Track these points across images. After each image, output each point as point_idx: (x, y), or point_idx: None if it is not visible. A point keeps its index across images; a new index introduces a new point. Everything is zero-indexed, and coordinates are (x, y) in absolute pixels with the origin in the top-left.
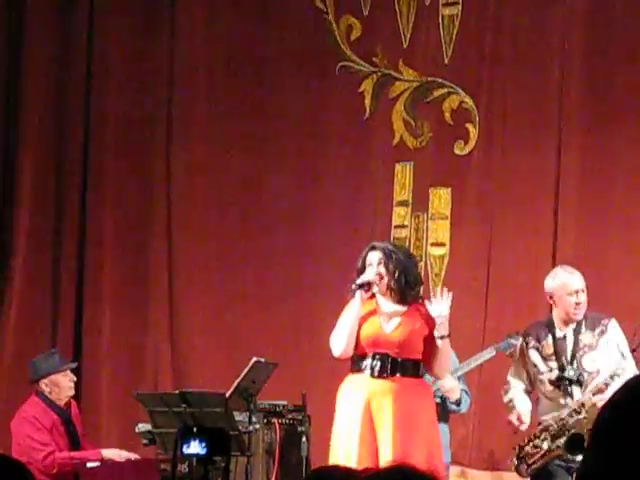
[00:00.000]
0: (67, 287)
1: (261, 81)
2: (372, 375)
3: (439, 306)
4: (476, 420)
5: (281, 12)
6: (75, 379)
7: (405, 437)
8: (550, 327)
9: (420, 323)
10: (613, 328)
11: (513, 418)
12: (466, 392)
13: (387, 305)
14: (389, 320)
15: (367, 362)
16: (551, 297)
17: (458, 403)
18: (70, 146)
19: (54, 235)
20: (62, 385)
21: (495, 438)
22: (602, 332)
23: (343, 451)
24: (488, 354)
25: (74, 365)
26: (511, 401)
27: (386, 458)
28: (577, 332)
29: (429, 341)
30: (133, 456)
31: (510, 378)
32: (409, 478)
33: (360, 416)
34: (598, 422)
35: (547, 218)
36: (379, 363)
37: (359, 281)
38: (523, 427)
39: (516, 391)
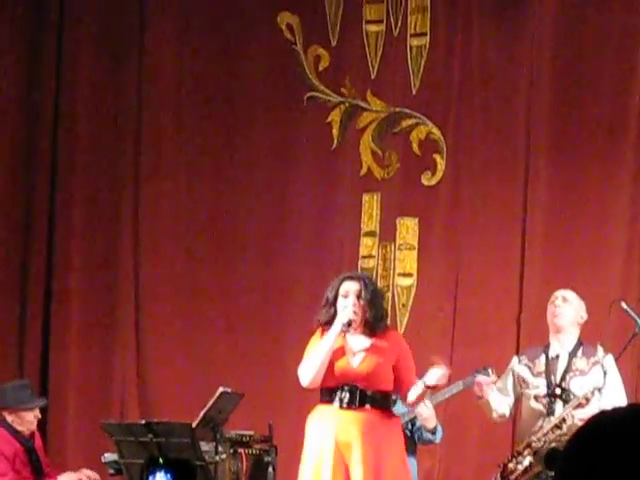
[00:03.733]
0: (33, 316)
1: (229, 111)
2: (341, 406)
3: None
4: (443, 452)
5: (249, 41)
6: (40, 416)
7: (375, 470)
8: (545, 349)
9: (386, 354)
10: (607, 360)
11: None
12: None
13: (354, 338)
14: (355, 354)
15: (336, 393)
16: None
17: (433, 432)
18: (37, 172)
19: (20, 267)
20: (26, 420)
21: (462, 469)
22: (596, 362)
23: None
24: (456, 388)
25: (43, 403)
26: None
27: None
28: (572, 355)
29: (398, 370)
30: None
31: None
32: None
33: (331, 448)
34: (559, 461)
35: (514, 248)
36: (348, 394)
37: (345, 321)
38: (486, 395)
39: (495, 395)
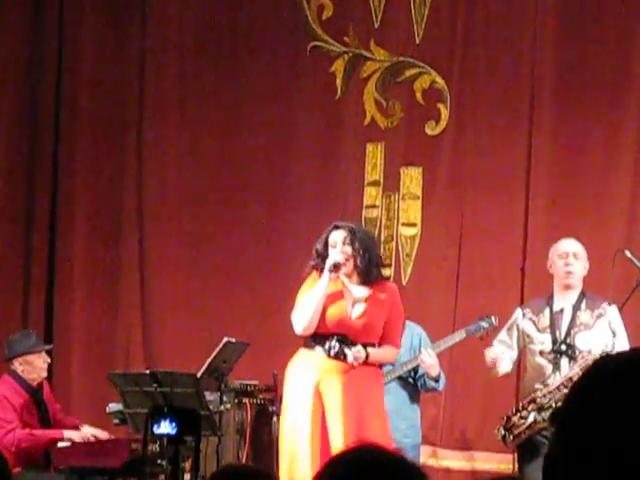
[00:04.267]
0: (38, 270)
1: (233, 62)
2: (328, 355)
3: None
4: (447, 400)
5: None
6: (49, 360)
7: (357, 423)
8: (549, 301)
9: (383, 309)
10: (612, 311)
11: (489, 354)
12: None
13: (353, 287)
14: (354, 304)
15: (325, 341)
16: (550, 266)
17: (437, 380)
18: (41, 134)
19: (25, 220)
20: (36, 365)
21: (466, 418)
22: (600, 315)
23: (291, 429)
24: (459, 336)
25: (49, 347)
26: (490, 349)
27: (336, 443)
28: (576, 308)
29: (387, 322)
30: (104, 435)
31: (496, 343)
32: (376, 456)
33: (311, 395)
34: (564, 404)
35: (519, 198)
36: (338, 345)
37: (331, 262)
38: (495, 370)
39: (499, 348)
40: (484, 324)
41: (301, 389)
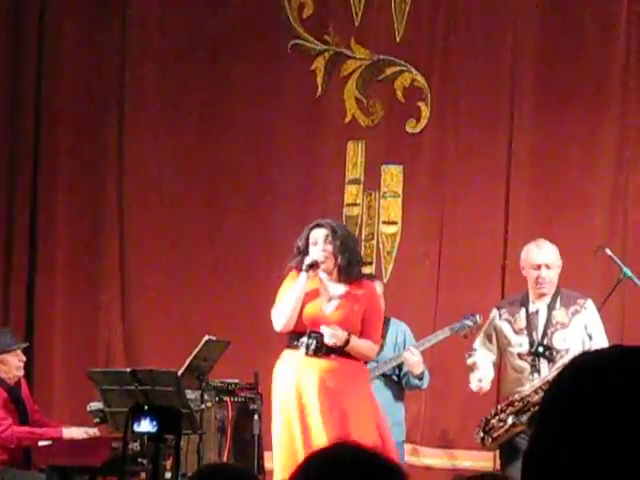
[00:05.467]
0: (18, 268)
1: (213, 59)
2: (306, 353)
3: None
4: (428, 398)
5: None
6: (25, 359)
7: (340, 418)
8: (524, 301)
9: (359, 304)
10: (587, 309)
11: (474, 380)
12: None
13: (330, 284)
14: (329, 301)
15: (303, 339)
16: (523, 268)
17: (420, 378)
18: (22, 120)
19: (5, 221)
20: (11, 364)
21: (447, 416)
22: (576, 311)
23: (283, 426)
24: (442, 334)
25: (25, 345)
26: (474, 364)
27: (320, 441)
28: (551, 308)
29: (366, 318)
30: (93, 431)
31: (477, 346)
32: (353, 454)
33: (293, 396)
34: (543, 401)
35: (499, 196)
36: (314, 342)
37: (308, 261)
38: (483, 389)
39: (481, 357)
40: (468, 322)
41: (285, 392)
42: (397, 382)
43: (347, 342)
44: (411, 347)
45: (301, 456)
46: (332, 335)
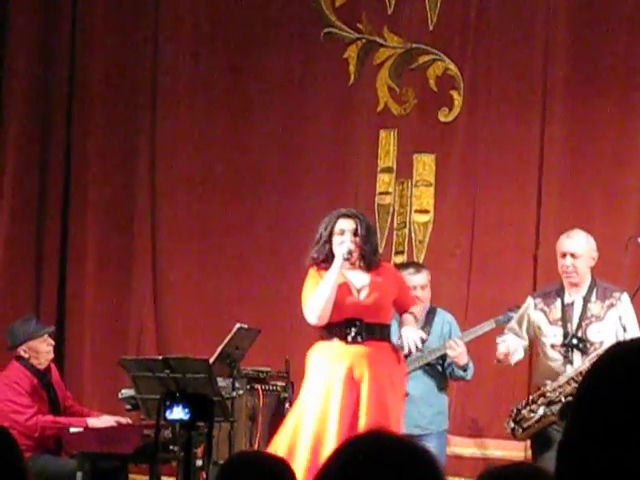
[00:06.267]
0: (50, 255)
1: (246, 48)
2: (347, 342)
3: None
4: (459, 387)
5: None
6: (53, 343)
7: (381, 404)
8: (560, 292)
9: (386, 287)
10: (623, 302)
11: (502, 350)
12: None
13: (353, 274)
14: (360, 289)
15: (341, 329)
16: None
17: (465, 369)
18: (54, 102)
19: (38, 204)
20: (40, 350)
21: (477, 406)
22: (612, 305)
23: (314, 419)
24: (488, 326)
25: (51, 329)
26: (504, 341)
27: (364, 425)
28: (586, 300)
29: (401, 297)
30: (123, 420)
31: (507, 331)
32: (387, 442)
33: (343, 378)
34: (578, 391)
35: (531, 184)
36: (354, 329)
37: (346, 250)
38: (508, 357)
39: (512, 341)
40: (513, 314)
41: (330, 377)
42: (441, 372)
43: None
44: (455, 338)
45: (333, 440)
46: (414, 344)
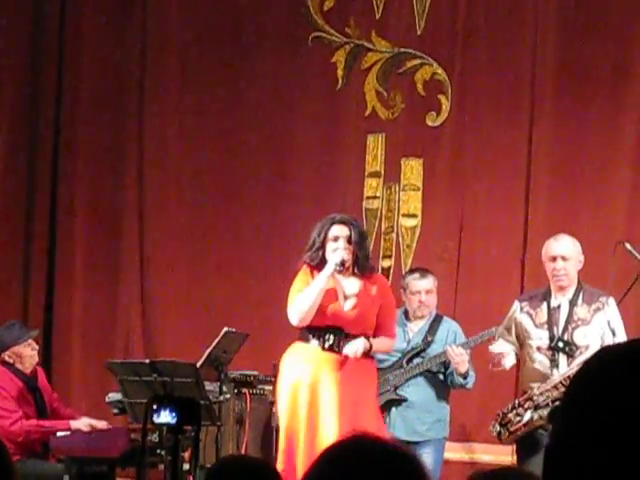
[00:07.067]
0: (38, 258)
1: (233, 52)
2: (323, 348)
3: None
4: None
5: None
6: (37, 347)
7: (350, 417)
8: (546, 296)
9: (375, 299)
10: (609, 306)
11: (496, 350)
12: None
13: (345, 280)
14: (347, 297)
15: (320, 334)
16: (544, 262)
17: (465, 377)
18: (42, 119)
19: (25, 209)
20: (24, 355)
21: (465, 410)
22: (598, 309)
23: (289, 419)
24: (488, 334)
25: (35, 333)
26: (495, 350)
27: (330, 437)
28: (573, 304)
29: (381, 314)
30: (102, 424)
31: (497, 338)
32: (371, 445)
33: (308, 385)
34: (565, 395)
35: (519, 189)
36: (332, 337)
37: (339, 260)
38: (504, 362)
39: (504, 344)
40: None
41: (297, 382)
42: (443, 381)
43: (370, 349)
44: (454, 345)
45: (303, 446)
46: (355, 352)
